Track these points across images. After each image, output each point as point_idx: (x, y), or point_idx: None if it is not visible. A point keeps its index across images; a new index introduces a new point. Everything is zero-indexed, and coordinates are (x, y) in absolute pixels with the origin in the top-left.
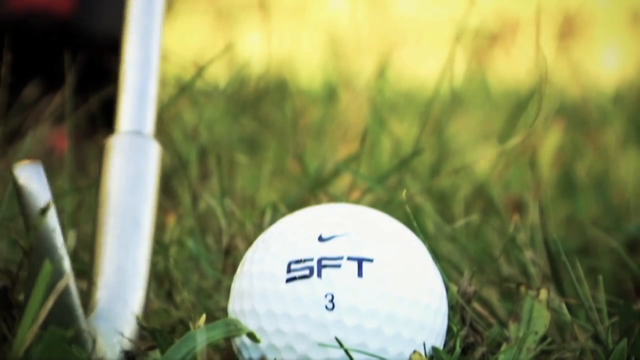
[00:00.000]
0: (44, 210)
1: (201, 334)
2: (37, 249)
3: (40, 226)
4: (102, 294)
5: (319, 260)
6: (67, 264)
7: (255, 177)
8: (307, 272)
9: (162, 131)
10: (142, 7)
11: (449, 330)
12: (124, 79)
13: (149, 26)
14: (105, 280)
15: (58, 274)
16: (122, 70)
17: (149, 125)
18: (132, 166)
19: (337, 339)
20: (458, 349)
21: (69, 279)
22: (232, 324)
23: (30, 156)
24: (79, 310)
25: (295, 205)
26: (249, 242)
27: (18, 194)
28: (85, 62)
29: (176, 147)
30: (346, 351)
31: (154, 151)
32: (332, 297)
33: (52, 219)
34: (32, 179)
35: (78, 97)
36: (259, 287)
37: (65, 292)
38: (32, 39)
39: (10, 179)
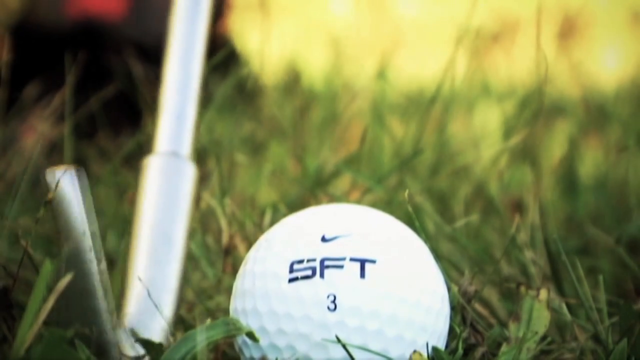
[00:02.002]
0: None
1: (201, 334)
2: (71, 254)
3: (74, 232)
4: (132, 308)
5: (322, 261)
6: (94, 267)
7: (255, 177)
8: (309, 272)
9: None
10: (184, 28)
11: (452, 331)
12: (164, 99)
13: (191, 48)
14: (136, 294)
15: (87, 278)
16: (162, 91)
17: (186, 147)
18: (168, 186)
19: (337, 338)
20: (460, 350)
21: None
22: (232, 323)
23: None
24: (107, 318)
25: (295, 205)
26: (249, 242)
27: (53, 198)
28: (85, 62)
29: None
30: (347, 351)
31: (189, 173)
32: (335, 297)
33: (84, 224)
34: (66, 184)
35: (78, 97)
36: (261, 286)
37: (93, 295)
38: (88, 44)
39: (42, 181)
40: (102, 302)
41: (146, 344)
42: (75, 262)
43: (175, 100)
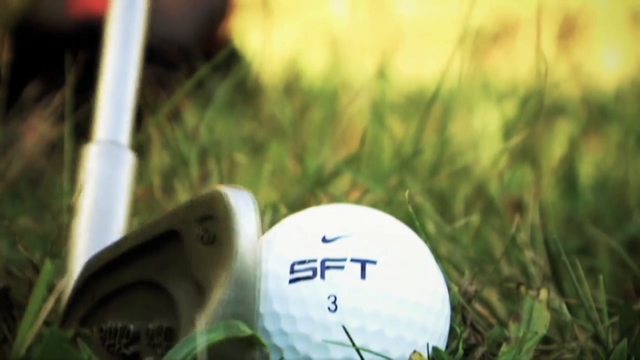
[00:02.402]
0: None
1: (201, 336)
2: (237, 278)
3: (246, 257)
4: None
5: (323, 262)
6: (259, 299)
7: (255, 177)
8: (310, 273)
9: (162, 131)
10: (123, 15)
11: (452, 331)
12: (102, 87)
13: (130, 34)
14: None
15: (250, 307)
16: (100, 79)
17: (125, 135)
18: (106, 176)
19: (347, 334)
20: (460, 351)
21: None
22: (234, 325)
23: (30, 155)
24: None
25: (295, 205)
26: None
27: (227, 218)
28: (85, 62)
29: (176, 147)
30: (355, 347)
31: (128, 161)
32: (335, 298)
33: (260, 253)
34: (247, 207)
35: (78, 97)
36: (262, 287)
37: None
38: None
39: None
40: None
41: None
42: (243, 289)
43: (113, 88)
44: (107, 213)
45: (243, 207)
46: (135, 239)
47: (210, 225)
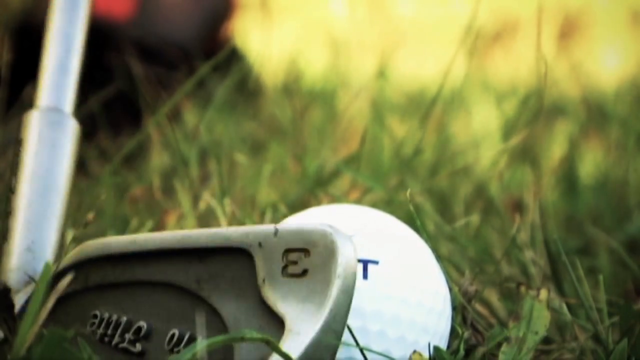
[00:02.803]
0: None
1: (202, 340)
2: (329, 317)
3: (342, 297)
4: (13, 263)
5: None
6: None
7: (255, 177)
8: None
9: (162, 131)
10: None
11: (453, 331)
12: (46, 54)
13: (75, 2)
14: (18, 250)
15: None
16: (45, 45)
17: (68, 103)
18: (48, 143)
19: (351, 334)
20: (462, 352)
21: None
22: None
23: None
24: None
25: (295, 205)
26: None
27: (329, 255)
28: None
29: (176, 147)
30: (359, 347)
31: (71, 128)
32: None
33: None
34: (345, 244)
35: (78, 97)
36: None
37: None
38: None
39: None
40: None
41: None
42: (335, 326)
43: (56, 54)
44: (49, 181)
45: (346, 247)
46: (168, 241)
47: (301, 259)
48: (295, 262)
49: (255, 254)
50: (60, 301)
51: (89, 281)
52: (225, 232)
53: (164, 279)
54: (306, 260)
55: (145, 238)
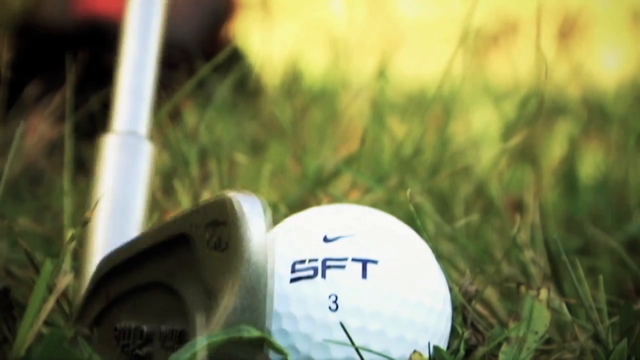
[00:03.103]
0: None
1: (202, 338)
2: (245, 285)
3: (253, 263)
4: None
5: (324, 261)
6: (269, 306)
7: (255, 177)
8: (311, 272)
9: (162, 131)
10: (141, 4)
11: (453, 331)
12: (121, 78)
13: (148, 26)
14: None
15: (259, 314)
16: (119, 70)
17: (143, 126)
18: (125, 166)
19: (347, 334)
20: (462, 352)
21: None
22: (243, 329)
23: (29, 155)
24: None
25: (295, 205)
26: None
27: (234, 223)
28: (86, 62)
29: (176, 147)
30: (355, 347)
31: (147, 152)
32: (336, 298)
33: (271, 260)
34: (253, 212)
35: (78, 97)
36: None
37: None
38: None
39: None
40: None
41: None
42: (251, 296)
43: (131, 79)
44: (125, 205)
45: (252, 213)
46: (147, 240)
47: (221, 231)
48: (217, 236)
49: (192, 235)
50: (96, 323)
51: (110, 295)
52: (172, 220)
53: (154, 278)
54: (224, 232)
55: (132, 242)
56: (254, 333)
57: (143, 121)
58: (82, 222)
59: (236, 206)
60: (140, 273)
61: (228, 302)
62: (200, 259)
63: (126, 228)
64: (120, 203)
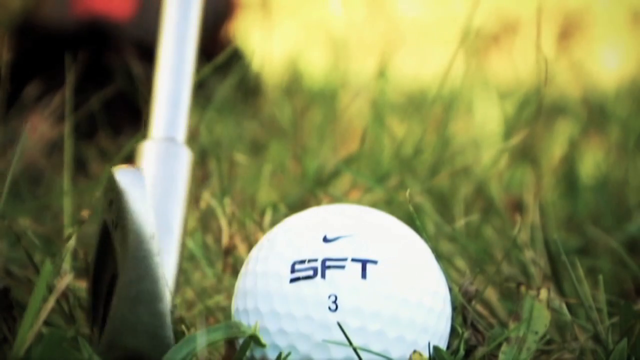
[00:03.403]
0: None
1: (202, 336)
2: (134, 256)
3: (138, 233)
4: None
5: (323, 261)
6: (162, 270)
7: (255, 177)
8: (311, 272)
9: None
10: (177, 13)
11: (453, 331)
12: (158, 85)
13: (184, 32)
14: None
15: (154, 280)
16: (156, 77)
17: (182, 133)
18: (163, 172)
19: (345, 334)
20: (462, 352)
21: (159, 281)
22: (235, 326)
23: (29, 155)
24: (167, 314)
25: (295, 205)
26: (249, 242)
27: (118, 198)
28: (86, 61)
29: None
30: (353, 347)
31: (185, 158)
32: (336, 298)
33: (152, 227)
34: (135, 185)
35: (78, 97)
36: (262, 286)
37: (160, 299)
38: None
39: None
40: (167, 306)
41: None
42: (142, 265)
43: (169, 85)
44: (165, 211)
45: (132, 185)
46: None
47: (115, 209)
48: (114, 215)
49: (107, 222)
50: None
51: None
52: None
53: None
54: (114, 209)
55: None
56: (247, 330)
57: (181, 128)
58: (79, 221)
59: (117, 181)
60: (107, 265)
61: (124, 275)
62: (112, 244)
63: (166, 234)
64: (159, 211)
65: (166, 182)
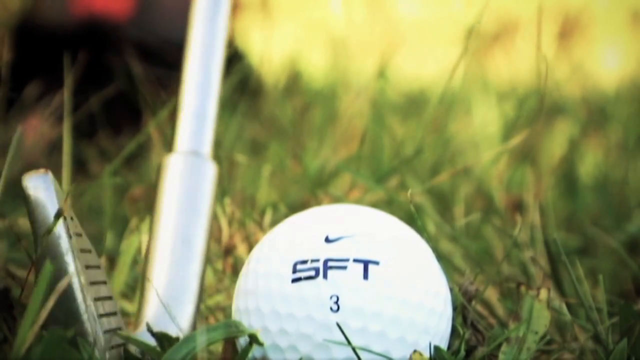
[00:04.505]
0: (55, 219)
1: (202, 335)
2: (44, 256)
3: (48, 234)
4: (150, 309)
5: (325, 262)
6: (72, 269)
7: (255, 177)
8: (312, 272)
9: (162, 131)
10: (204, 26)
11: (454, 331)
12: (184, 97)
13: (211, 45)
14: (154, 296)
15: (60, 277)
16: (182, 89)
17: (207, 146)
18: (188, 186)
19: (344, 335)
20: (462, 352)
21: (70, 280)
22: (234, 325)
23: (29, 155)
24: (82, 313)
25: (295, 205)
26: (249, 242)
27: (27, 203)
28: (86, 61)
29: None
30: (352, 347)
31: (210, 172)
32: (337, 298)
33: (60, 227)
34: (40, 188)
35: (78, 97)
36: (264, 286)
37: (67, 294)
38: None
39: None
40: (82, 305)
41: (162, 337)
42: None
43: (195, 98)
44: (189, 224)
45: (35, 190)
46: None
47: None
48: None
49: None
50: None
51: None
52: None
53: None
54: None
55: None
56: (248, 331)
57: (207, 141)
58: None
59: (24, 186)
60: None
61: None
62: None
63: (187, 251)
64: (183, 225)
65: (189, 196)
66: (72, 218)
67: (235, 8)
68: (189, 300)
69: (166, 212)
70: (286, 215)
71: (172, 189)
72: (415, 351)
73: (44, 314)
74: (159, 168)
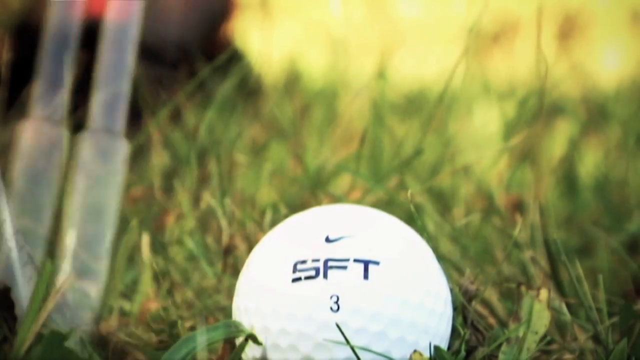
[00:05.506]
0: None
1: (201, 335)
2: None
3: None
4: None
5: (326, 262)
6: (15, 254)
7: (255, 177)
8: (313, 272)
9: (162, 131)
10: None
11: (454, 332)
12: (97, 76)
13: (125, 22)
14: (66, 270)
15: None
16: (96, 68)
17: (119, 123)
18: (100, 163)
19: (343, 335)
20: (463, 352)
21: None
22: (233, 325)
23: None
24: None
25: (295, 205)
26: (249, 242)
27: None
28: (85, 62)
29: (176, 147)
30: (351, 347)
31: (122, 149)
32: (338, 298)
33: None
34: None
35: (78, 97)
36: (264, 286)
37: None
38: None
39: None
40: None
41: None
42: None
43: (109, 75)
44: (99, 202)
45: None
46: None
47: None
48: None
49: None
50: None
51: None
52: None
53: None
54: None
55: None
56: (246, 330)
57: (119, 118)
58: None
59: None
60: None
61: None
62: None
63: (99, 224)
64: (93, 202)
65: (101, 173)
66: None
67: (235, 8)
68: (99, 276)
69: (78, 188)
70: (286, 215)
71: (84, 166)
72: (415, 351)
73: (44, 313)
74: (74, 145)
